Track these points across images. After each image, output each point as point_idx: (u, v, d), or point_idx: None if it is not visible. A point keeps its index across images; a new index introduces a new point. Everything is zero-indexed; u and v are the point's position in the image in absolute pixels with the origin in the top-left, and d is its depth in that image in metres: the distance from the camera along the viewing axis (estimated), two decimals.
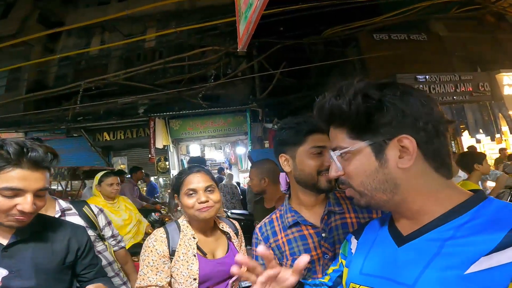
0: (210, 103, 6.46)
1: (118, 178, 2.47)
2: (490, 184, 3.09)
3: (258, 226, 1.09)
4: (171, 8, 8.64)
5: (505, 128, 6.48)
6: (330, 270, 0.73)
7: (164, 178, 6.18)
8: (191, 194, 1.10)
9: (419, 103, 0.52)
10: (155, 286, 1.02)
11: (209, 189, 1.12)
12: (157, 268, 1.03)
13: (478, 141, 6.44)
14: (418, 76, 6.64)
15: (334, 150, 0.58)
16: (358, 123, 0.54)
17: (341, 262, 0.70)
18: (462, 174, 2.79)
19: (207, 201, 1.09)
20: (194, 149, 6.89)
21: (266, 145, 7.26)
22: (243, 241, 1.32)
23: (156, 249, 1.05)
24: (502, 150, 5.93)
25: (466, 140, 6.82)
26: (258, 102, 6.95)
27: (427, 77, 6.57)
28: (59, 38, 8.18)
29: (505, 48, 7.77)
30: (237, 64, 7.77)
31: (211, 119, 6.52)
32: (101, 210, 1.69)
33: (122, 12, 6.53)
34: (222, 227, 1.21)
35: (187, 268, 1.04)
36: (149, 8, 7.05)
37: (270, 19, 6.73)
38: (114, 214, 2.33)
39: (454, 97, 6.53)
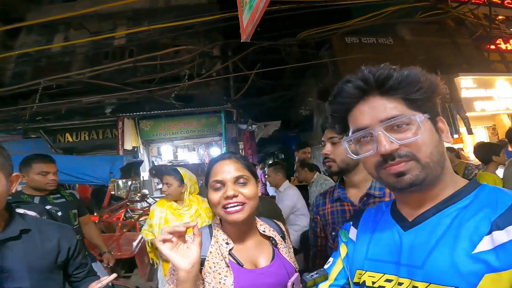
0: (183, 104, 6.30)
1: (172, 178, 2.06)
2: None
3: (316, 195, 1.27)
4: (144, 5, 8.38)
5: (462, 129, 6.92)
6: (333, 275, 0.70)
7: (134, 182, 5.90)
8: (218, 187, 0.87)
9: None
10: None
11: (240, 180, 0.88)
12: None
13: None
14: None
15: (386, 120, 0.54)
16: (426, 96, 0.54)
17: (340, 253, 0.70)
18: None
19: (235, 196, 0.85)
20: (166, 151, 6.66)
21: (241, 146, 7.20)
22: (291, 246, 1.08)
23: None
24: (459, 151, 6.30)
25: None
26: (232, 103, 6.88)
27: None
28: (18, 35, 7.64)
29: (463, 52, 8.27)
30: (212, 65, 7.67)
31: (184, 120, 6.35)
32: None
33: (90, 9, 6.22)
34: (264, 230, 0.97)
35: (220, 282, 0.82)
36: (120, 5, 6.78)
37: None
38: (175, 218, 2.04)
39: None
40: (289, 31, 7.98)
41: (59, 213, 1.99)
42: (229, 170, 0.88)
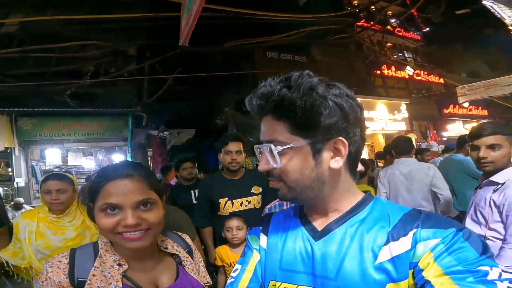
0: (80, 103, 5.64)
1: (65, 183, 1.72)
2: None
3: (269, 206, 1.18)
4: None
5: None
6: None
7: (5, 188, 4.96)
8: (112, 211, 0.70)
9: (357, 108, 0.56)
10: None
11: (143, 206, 0.72)
12: None
13: None
14: None
15: (268, 142, 0.56)
16: (305, 120, 0.53)
17: (251, 258, 0.65)
18: None
19: (138, 225, 0.70)
20: (52, 154, 5.80)
21: (149, 153, 6.78)
22: (202, 259, 0.96)
23: (50, 277, 0.69)
24: None
25: None
26: (144, 106, 6.46)
27: None
28: None
29: (358, 75, 9.37)
30: (126, 64, 7.16)
31: (80, 121, 5.64)
32: None
33: None
34: (166, 247, 0.84)
35: None
36: None
37: (174, 21, 6.47)
38: (53, 231, 1.70)
39: None
40: (215, 40, 8.00)
41: None
42: (128, 193, 0.70)
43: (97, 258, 0.75)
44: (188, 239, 0.96)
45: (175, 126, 7.15)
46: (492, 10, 5.98)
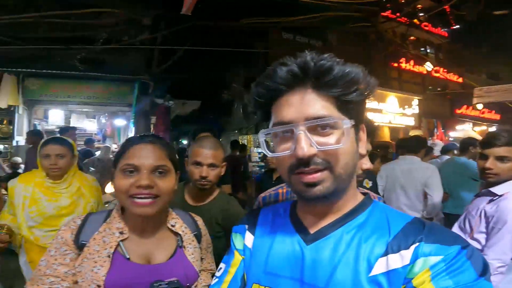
0: (89, 67, 5.66)
1: (65, 148, 1.63)
2: None
3: (263, 195, 1.07)
4: None
5: None
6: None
7: (6, 146, 5.10)
8: (131, 172, 0.75)
9: None
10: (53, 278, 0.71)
11: (160, 170, 0.78)
12: (55, 259, 0.74)
13: None
14: None
15: (314, 119, 0.46)
16: (358, 100, 0.49)
17: (234, 260, 0.61)
18: None
19: (149, 187, 0.74)
20: (56, 115, 5.90)
21: (153, 120, 6.86)
22: (209, 245, 0.98)
23: (60, 235, 0.77)
24: None
25: None
26: (152, 75, 6.47)
27: None
28: None
29: (373, 64, 8.94)
30: (138, 33, 7.14)
31: (87, 84, 5.68)
32: None
33: None
34: (174, 225, 0.86)
35: (92, 270, 0.72)
36: None
37: None
38: (47, 197, 1.62)
39: None
40: (231, 15, 7.80)
41: None
42: (149, 156, 0.77)
43: (104, 223, 0.79)
44: (200, 222, 0.97)
45: (180, 96, 7.16)
46: None
